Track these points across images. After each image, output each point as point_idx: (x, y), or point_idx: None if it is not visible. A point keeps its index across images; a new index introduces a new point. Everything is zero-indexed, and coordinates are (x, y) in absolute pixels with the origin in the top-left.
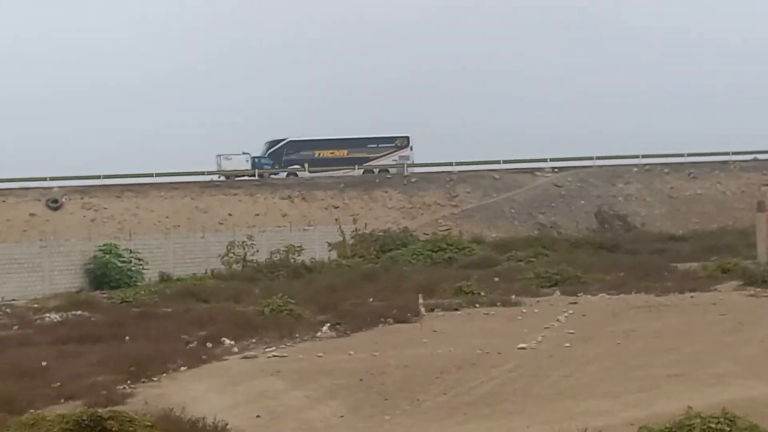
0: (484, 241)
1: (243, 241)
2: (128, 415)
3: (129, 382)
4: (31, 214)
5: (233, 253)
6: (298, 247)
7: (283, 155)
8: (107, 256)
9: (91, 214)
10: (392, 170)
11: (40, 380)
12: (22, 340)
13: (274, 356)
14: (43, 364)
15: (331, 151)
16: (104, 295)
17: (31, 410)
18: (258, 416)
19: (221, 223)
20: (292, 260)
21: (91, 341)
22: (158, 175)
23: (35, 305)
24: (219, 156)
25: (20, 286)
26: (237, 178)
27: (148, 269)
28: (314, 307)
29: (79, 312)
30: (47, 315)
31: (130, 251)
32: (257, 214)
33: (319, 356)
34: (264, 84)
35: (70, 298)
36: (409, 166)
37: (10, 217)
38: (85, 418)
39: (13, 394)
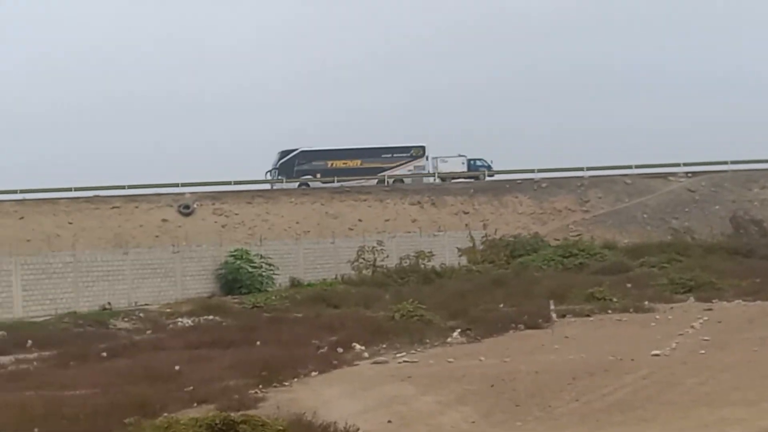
0: (615, 247)
1: (373, 247)
2: (260, 419)
3: (261, 386)
4: (164, 220)
5: (363, 259)
6: (428, 252)
7: (295, 166)
8: (238, 262)
9: (222, 219)
10: (407, 180)
11: (174, 384)
12: (155, 344)
13: (405, 361)
14: (176, 368)
15: (344, 162)
16: (235, 300)
17: (165, 413)
18: (389, 421)
19: (351, 229)
20: (422, 265)
21: (222, 346)
22: (289, 180)
23: (168, 310)
24: (435, 158)
25: (153, 291)
26: (453, 180)
27: (278, 274)
28: (444, 312)
29: (210, 317)
30: (179, 319)
31: (261, 256)
32: (387, 220)
33: (450, 362)
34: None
35: (201, 302)
36: (424, 175)
37: (143, 222)
38: (218, 421)
39: (147, 397)
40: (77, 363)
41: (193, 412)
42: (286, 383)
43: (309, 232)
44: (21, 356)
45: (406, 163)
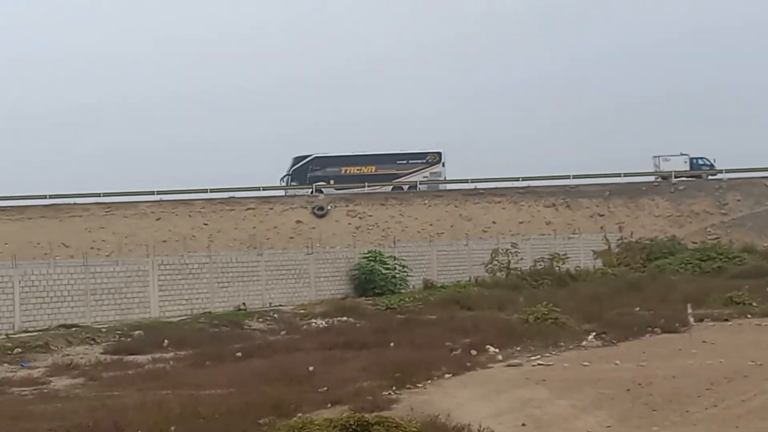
0: (755, 251)
1: (507, 249)
2: (394, 421)
3: (394, 388)
4: (298, 222)
5: (497, 261)
6: (563, 255)
7: (308, 172)
8: (372, 263)
9: (356, 221)
10: (422, 187)
11: (308, 385)
12: (289, 345)
13: (539, 365)
14: (310, 368)
15: (359, 168)
16: (369, 302)
17: (299, 414)
18: (523, 425)
19: (485, 231)
20: (557, 268)
21: (356, 347)
22: (422, 183)
23: (302, 311)
24: (657, 157)
25: (287, 292)
26: (675, 179)
27: (411, 276)
28: (579, 315)
29: (344, 318)
30: (313, 321)
31: (394, 258)
32: (521, 222)
33: (585, 365)
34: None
35: (335, 304)
36: (440, 182)
37: (278, 224)
38: (352, 422)
39: (281, 397)
40: (213, 363)
41: (327, 413)
42: (420, 385)
43: (442, 233)
44: (157, 356)
45: (421, 169)
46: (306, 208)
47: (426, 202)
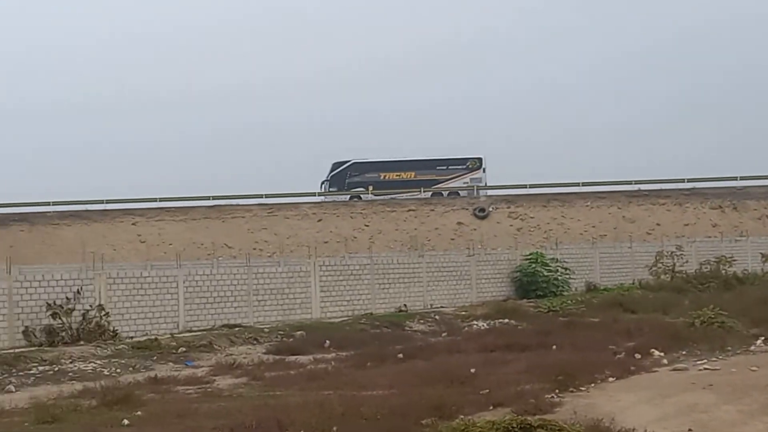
0: None
1: (672, 252)
2: (558, 424)
3: (557, 391)
4: (459, 223)
5: (661, 264)
6: (729, 257)
7: (346, 178)
8: (534, 265)
9: (518, 223)
10: (462, 193)
11: (469, 387)
12: (450, 346)
13: (705, 369)
14: (472, 370)
15: (398, 174)
16: (530, 304)
17: (461, 416)
18: (689, 430)
19: (649, 233)
20: (723, 271)
21: (517, 349)
22: (584, 184)
23: (463, 313)
24: None
25: (448, 293)
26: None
27: (574, 278)
28: (746, 319)
29: (505, 320)
30: (474, 322)
31: (557, 260)
32: (686, 224)
33: (753, 370)
34: None
35: (496, 306)
36: (480, 188)
37: (438, 225)
38: (514, 425)
39: (443, 399)
40: (374, 364)
41: (488, 415)
42: (583, 388)
43: (605, 235)
44: (319, 356)
45: (461, 175)
46: (467, 209)
47: (588, 203)
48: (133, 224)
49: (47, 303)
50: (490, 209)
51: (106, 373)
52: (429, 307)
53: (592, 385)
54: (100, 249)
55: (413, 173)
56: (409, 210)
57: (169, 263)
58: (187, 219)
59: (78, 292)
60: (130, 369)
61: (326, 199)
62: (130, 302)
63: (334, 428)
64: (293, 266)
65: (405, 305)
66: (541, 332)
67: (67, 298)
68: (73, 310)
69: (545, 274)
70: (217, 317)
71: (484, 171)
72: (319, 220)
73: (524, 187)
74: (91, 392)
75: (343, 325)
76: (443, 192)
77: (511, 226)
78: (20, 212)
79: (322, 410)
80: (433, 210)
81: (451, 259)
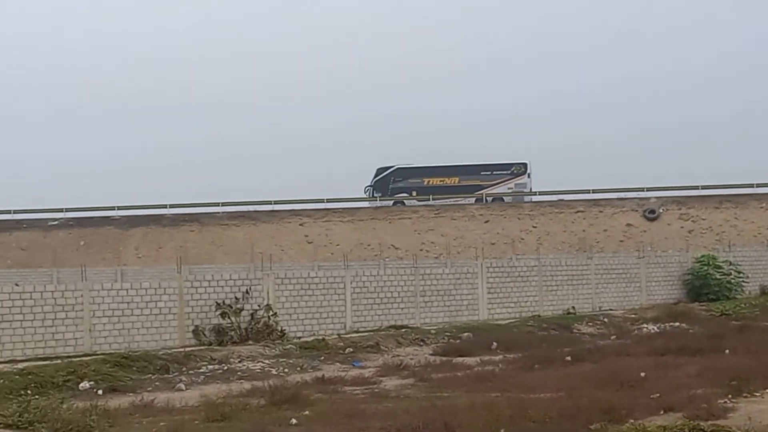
0: None
1: None
2: (731, 430)
3: (730, 396)
4: (628, 225)
5: None
6: None
7: (390, 183)
8: (706, 268)
9: (689, 224)
10: (507, 199)
11: (639, 390)
12: (619, 349)
13: None
14: (642, 374)
15: (441, 179)
16: (702, 307)
17: (631, 420)
18: None
19: None
20: None
21: (689, 353)
22: (759, 185)
23: (632, 315)
24: None
25: (617, 296)
26: None
27: (747, 282)
28: None
29: (676, 323)
30: (644, 325)
31: (729, 263)
32: None
33: None
34: None
35: (667, 309)
36: (526, 194)
37: (608, 227)
38: (686, 430)
39: (613, 403)
40: (541, 366)
41: (659, 420)
42: (757, 394)
43: None
44: (486, 358)
45: (506, 180)
46: (636, 211)
47: (763, 205)
48: (300, 225)
49: (216, 302)
50: (660, 210)
51: (274, 372)
52: (597, 309)
53: (767, 390)
54: (268, 249)
55: (457, 179)
56: (578, 211)
57: (337, 264)
58: (354, 220)
59: (247, 291)
60: (298, 369)
61: (369, 205)
62: (298, 302)
63: (502, 430)
64: (460, 267)
65: (573, 307)
66: (713, 336)
67: (236, 297)
68: (242, 309)
69: (717, 277)
70: (383, 318)
71: (529, 176)
72: (486, 222)
73: (696, 188)
74: (259, 391)
75: (510, 327)
76: (487, 198)
77: (682, 227)
78: (191, 213)
79: (489, 413)
80: (601, 211)
81: (620, 260)
